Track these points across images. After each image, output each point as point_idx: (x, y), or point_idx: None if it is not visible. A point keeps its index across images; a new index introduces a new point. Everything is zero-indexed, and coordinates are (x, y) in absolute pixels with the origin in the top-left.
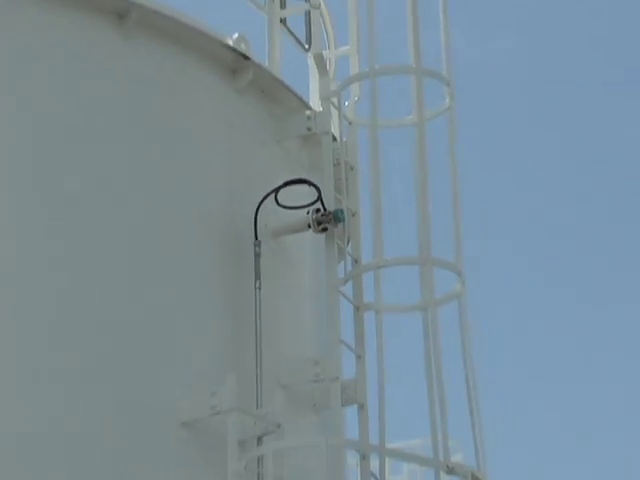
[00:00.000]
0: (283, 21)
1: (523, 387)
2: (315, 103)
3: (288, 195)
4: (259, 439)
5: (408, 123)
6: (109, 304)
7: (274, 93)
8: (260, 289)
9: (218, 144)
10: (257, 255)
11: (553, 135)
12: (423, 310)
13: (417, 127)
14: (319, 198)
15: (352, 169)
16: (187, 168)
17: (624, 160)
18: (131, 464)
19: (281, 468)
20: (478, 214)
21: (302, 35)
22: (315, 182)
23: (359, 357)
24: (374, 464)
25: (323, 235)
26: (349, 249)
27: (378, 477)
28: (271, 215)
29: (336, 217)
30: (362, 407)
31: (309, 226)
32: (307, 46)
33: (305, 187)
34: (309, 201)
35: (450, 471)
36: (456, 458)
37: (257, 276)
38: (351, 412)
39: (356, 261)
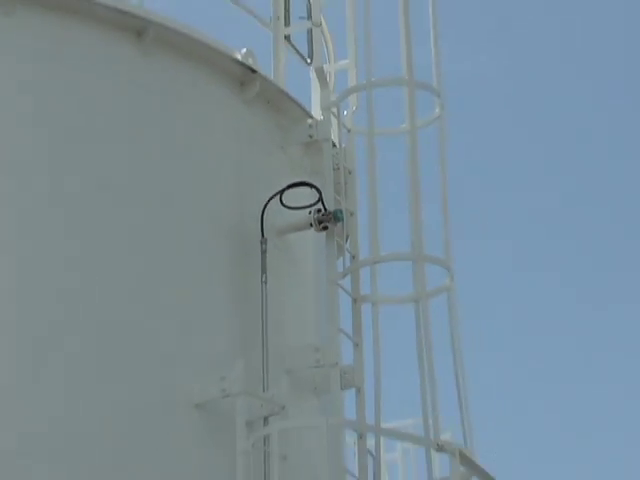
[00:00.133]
0: (287, 38)
1: (513, 373)
2: (316, 113)
3: (292, 197)
4: (265, 420)
5: (401, 131)
6: (129, 296)
7: (279, 104)
8: (266, 283)
9: (228, 150)
10: (263, 252)
11: (539, 139)
12: (415, 302)
13: (410, 134)
14: (320, 199)
15: (350, 173)
16: (200, 172)
17: (616, 162)
18: (147, 442)
19: (286, 446)
20: (477, 215)
21: (305, 50)
22: (316, 185)
23: (357, 345)
24: (370, 442)
25: (324, 233)
26: (347, 246)
27: (374, 454)
28: (276, 215)
29: (336, 217)
30: (359, 391)
31: (311, 225)
32: (309, 60)
33: (307, 189)
34: (311, 202)
35: (440, 449)
36: (445, 437)
37: (263, 271)
38: (349, 395)
39: (354, 257)
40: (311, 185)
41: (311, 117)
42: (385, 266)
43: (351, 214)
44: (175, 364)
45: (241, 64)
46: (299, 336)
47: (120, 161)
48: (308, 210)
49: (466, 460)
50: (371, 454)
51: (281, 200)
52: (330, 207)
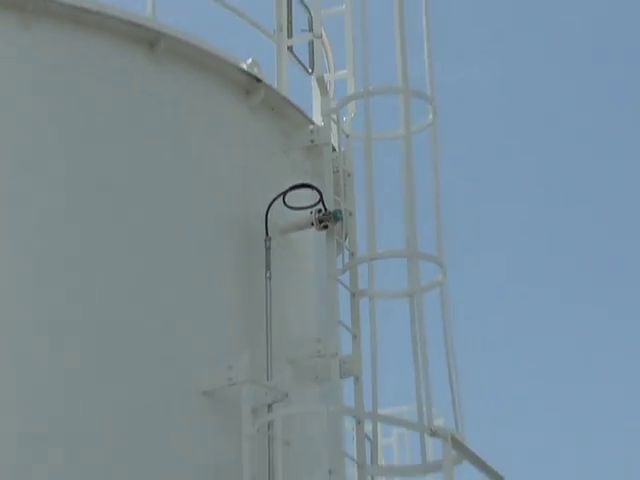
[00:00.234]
0: (290, 48)
1: (504, 367)
2: (317, 119)
3: (294, 198)
4: (269, 407)
5: (397, 136)
6: (145, 290)
7: (282, 110)
8: (270, 278)
9: (234, 154)
10: (268, 249)
11: (531, 149)
12: (410, 296)
13: (405, 139)
14: (320, 200)
15: (349, 175)
16: (208, 175)
17: (610, 171)
18: (158, 427)
19: (288, 432)
20: (470, 224)
21: (306, 60)
22: (317, 186)
23: (355, 336)
24: (368, 428)
25: (324, 232)
26: (346, 244)
27: (371, 439)
28: (280, 215)
29: (335, 216)
30: (357, 379)
31: (312, 224)
32: (310, 70)
33: (309, 191)
34: (312, 203)
35: (433, 434)
36: (438, 422)
37: (268, 267)
38: (348, 383)
39: (352, 254)
40: (312, 187)
41: (312, 123)
42: (382, 263)
43: (350, 214)
44: (185, 354)
45: (247, 73)
46: (301, 328)
47: (135, 165)
48: (309, 210)
49: (457, 444)
50: (369, 439)
51: (284, 201)
52: (330, 207)
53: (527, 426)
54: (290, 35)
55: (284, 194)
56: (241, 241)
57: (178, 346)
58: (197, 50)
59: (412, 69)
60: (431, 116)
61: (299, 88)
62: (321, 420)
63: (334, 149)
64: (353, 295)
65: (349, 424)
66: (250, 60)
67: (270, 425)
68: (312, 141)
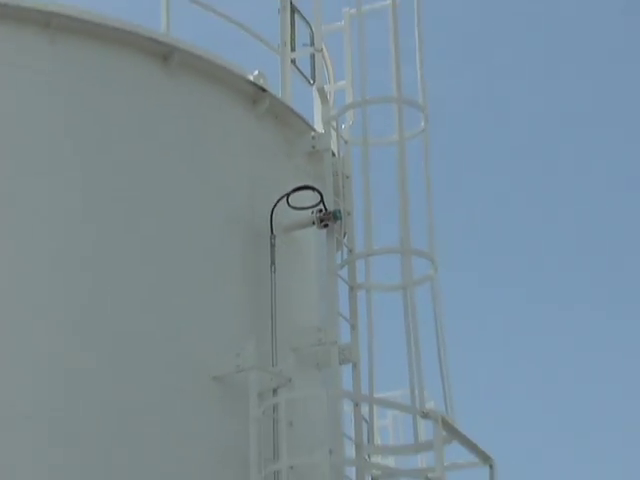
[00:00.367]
0: (293, 61)
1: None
2: (318, 126)
3: (297, 199)
4: (274, 391)
5: (392, 142)
6: (160, 284)
7: (286, 118)
8: (275, 272)
9: (242, 159)
10: (273, 246)
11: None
12: (404, 289)
13: (399, 145)
14: (321, 201)
15: (347, 178)
16: (218, 178)
17: (590, 178)
18: (172, 410)
19: (292, 414)
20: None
21: (308, 72)
22: (318, 188)
23: (353, 326)
24: (365, 410)
25: (324, 230)
26: (345, 241)
27: (368, 420)
28: (284, 214)
29: (335, 216)
30: (355, 365)
31: (313, 223)
32: (312, 81)
33: (310, 192)
34: (313, 203)
35: (425, 416)
36: (429, 405)
37: (272, 262)
38: (347, 370)
39: (350, 250)
40: (313, 189)
41: (314, 130)
42: (377, 258)
43: (348, 214)
44: (197, 343)
45: (253, 84)
46: (303, 318)
47: (149, 170)
48: (311, 210)
49: (447, 426)
50: (365, 420)
51: (288, 202)
52: (330, 208)
53: (514, 409)
54: (293, 49)
55: (288, 195)
56: (248, 239)
57: (190, 336)
58: (208, 63)
59: (406, 79)
60: (423, 123)
61: (301, 98)
62: (322, 403)
63: (334, 154)
64: (351, 288)
65: (347, 407)
66: (256, 72)
67: (275, 408)
68: (313, 147)
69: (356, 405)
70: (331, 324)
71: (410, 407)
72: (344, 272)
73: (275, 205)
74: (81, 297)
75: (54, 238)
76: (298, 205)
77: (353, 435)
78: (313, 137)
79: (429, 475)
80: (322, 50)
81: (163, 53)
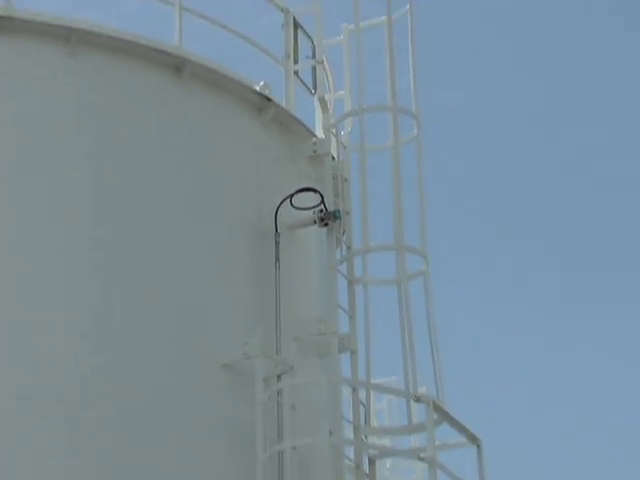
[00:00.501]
0: (296, 73)
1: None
2: (319, 132)
3: (299, 200)
4: (278, 377)
5: (387, 147)
6: (174, 278)
7: (289, 125)
8: (279, 268)
9: (248, 163)
10: (277, 243)
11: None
12: (398, 283)
13: (393, 150)
14: (322, 202)
15: (346, 181)
16: (227, 181)
17: (584, 173)
18: (185, 394)
19: (294, 398)
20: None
21: (310, 83)
22: (319, 190)
23: (351, 317)
24: (362, 395)
25: (325, 229)
26: (344, 239)
27: (365, 404)
28: (287, 214)
29: (334, 216)
30: (353, 353)
31: (315, 222)
32: (313, 91)
33: (312, 194)
34: (315, 204)
35: (417, 400)
36: (422, 390)
37: (277, 258)
38: (345, 357)
39: (349, 247)
40: (315, 190)
41: (315, 136)
42: (374, 255)
43: (347, 213)
44: (207, 333)
45: (259, 94)
46: (305, 310)
47: (164, 173)
48: (312, 210)
49: (438, 409)
50: (362, 404)
51: (291, 202)
52: (330, 208)
53: (501, 393)
54: (296, 61)
55: (291, 196)
56: (254, 237)
57: (202, 327)
58: (217, 74)
59: (400, 88)
60: (416, 130)
61: (304, 106)
62: (322, 388)
63: (334, 158)
64: (350, 282)
65: (346, 392)
66: (262, 83)
67: (279, 393)
68: (315, 151)
69: (354, 390)
70: (331, 315)
71: (404, 392)
72: (343, 267)
73: (279, 206)
74: (101, 293)
75: (69, 234)
76: (301, 206)
77: (351, 417)
78: (314, 143)
79: (421, 454)
80: (323, 62)
81: (175, 65)
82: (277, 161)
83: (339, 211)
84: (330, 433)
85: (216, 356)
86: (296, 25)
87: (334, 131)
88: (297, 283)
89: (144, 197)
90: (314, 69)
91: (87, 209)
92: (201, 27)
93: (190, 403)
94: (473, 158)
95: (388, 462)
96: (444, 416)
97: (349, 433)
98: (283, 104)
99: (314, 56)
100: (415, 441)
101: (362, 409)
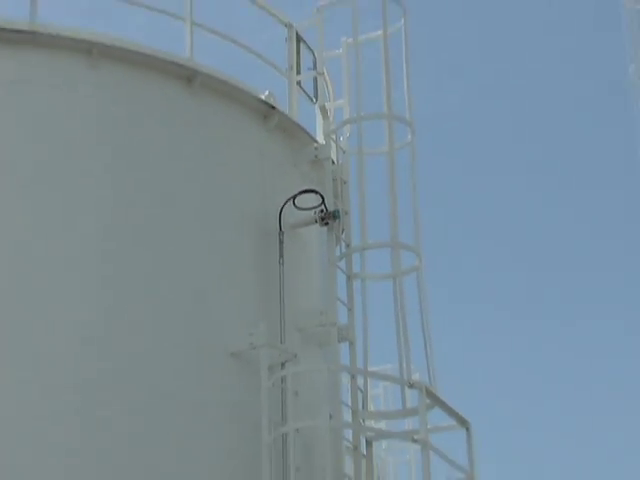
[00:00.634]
0: (298, 83)
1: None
2: (320, 138)
3: (302, 200)
4: (282, 365)
5: (383, 152)
6: (185, 276)
7: (292, 132)
8: (283, 264)
9: (254, 167)
10: (281, 241)
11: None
12: (393, 278)
13: (389, 155)
14: (323, 202)
15: (345, 183)
16: (234, 183)
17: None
18: (196, 381)
19: (297, 385)
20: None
21: (311, 92)
22: (320, 192)
23: (350, 310)
24: (360, 382)
25: (325, 227)
26: (343, 237)
27: (363, 390)
28: (290, 214)
29: (334, 215)
30: (352, 343)
31: (316, 221)
32: (315, 100)
33: (313, 195)
34: (316, 204)
35: (411, 386)
36: (415, 377)
37: (281, 255)
38: (344, 347)
39: (348, 245)
40: (316, 192)
41: (316, 142)
42: (371, 252)
43: (346, 213)
44: (217, 324)
45: (264, 102)
46: (307, 303)
47: (177, 177)
48: (314, 210)
49: (430, 394)
50: (360, 390)
51: (294, 203)
52: (330, 208)
53: (489, 379)
54: (298, 72)
55: (294, 198)
56: (260, 235)
57: (212, 319)
58: (226, 84)
59: (395, 97)
60: (409, 136)
61: (306, 114)
62: (323, 375)
63: (333, 162)
64: (348, 277)
65: (345, 379)
66: (267, 92)
67: (283, 379)
68: (316, 156)
69: (352, 377)
70: (331, 308)
71: (399, 378)
72: (342, 264)
73: (283, 206)
74: (115, 290)
75: (84, 235)
76: (303, 206)
77: (350, 402)
78: (315, 148)
79: (415, 436)
80: (323, 73)
81: (187, 76)
82: (281, 165)
83: (338, 211)
84: (330, 417)
85: (225, 346)
86: (299, 39)
87: (334, 137)
88: (299, 278)
89: (158, 198)
90: (315, 80)
91: (103, 213)
92: (211, 41)
93: (201, 389)
94: (465, 161)
95: (384, 444)
96: (436, 401)
97: (348, 417)
98: (287, 112)
99: (315, 68)
100: (409, 424)
101: (360, 395)
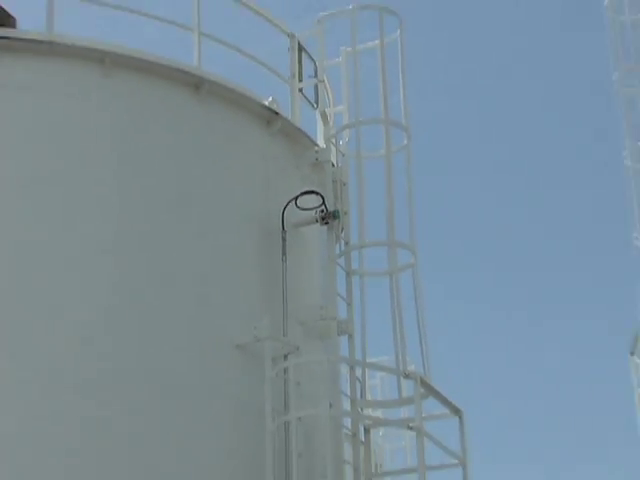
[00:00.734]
0: (300, 90)
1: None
2: (321, 142)
3: (303, 201)
4: (285, 357)
5: (380, 155)
6: (194, 272)
7: (294, 136)
8: (286, 261)
9: (259, 169)
10: (284, 239)
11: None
12: (390, 274)
13: (386, 158)
14: (323, 203)
15: (344, 184)
16: (239, 185)
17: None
18: (203, 372)
19: (299, 375)
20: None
21: (312, 98)
22: (321, 193)
23: (349, 304)
24: (358, 373)
25: (326, 227)
26: (342, 235)
27: (361, 381)
28: (293, 214)
29: (334, 215)
30: (351, 336)
31: (317, 221)
32: (316, 106)
33: (314, 196)
34: (317, 205)
35: (406, 376)
36: (410, 368)
37: (283, 253)
38: (344, 340)
39: (347, 243)
40: (317, 193)
41: (317, 145)
42: (369, 250)
43: (345, 213)
44: (223, 318)
45: (268, 108)
46: (309, 298)
47: (185, 179)
48: (315, 210)
49: (425, 384)
50: (359, 380)
51: (296, 203)
52: (330, 208)
53: (481, 369)
54: (300, 80)
55: (296, 198)
56: (264, 234)
57: (218, 313)
58: (231, 91)
59: (391, 103)
60: (405, 140)
61: (307, 119)
62: (323, 366)
63: (333, 165)
64: (347, 274)
65: (344, 370)
66: (270, 98)
67: (285, 370)
68: (317, 159)
69: (351, 368)
70: (331, 303)
71: (395, 369)
72: (342, 261)
73: (286, 206)
74: (130, 282)
75: (91, 234)
76: (304, 206)
77: (349, 392)
78: (316, 151)
79: (410, 424)
80: (324, 81)
81: (195, 83)
82: (284, 167)
83: (338, 211)
84: (330, 406)
85: (230, 339)
86: (300, 48)
87: (334, 141)
88: (301, 275)
89: (168, 199)
90: (316, 87)
91: (110, 214)
92: (217, 50)
93: (208, 379)
94: (457, 163)
95: (381, 431)
96: (430, 391)
97: (347, 406)
98: (289, 117)
99: (316, 75)
100: (404, 412)
101: (358, 385)
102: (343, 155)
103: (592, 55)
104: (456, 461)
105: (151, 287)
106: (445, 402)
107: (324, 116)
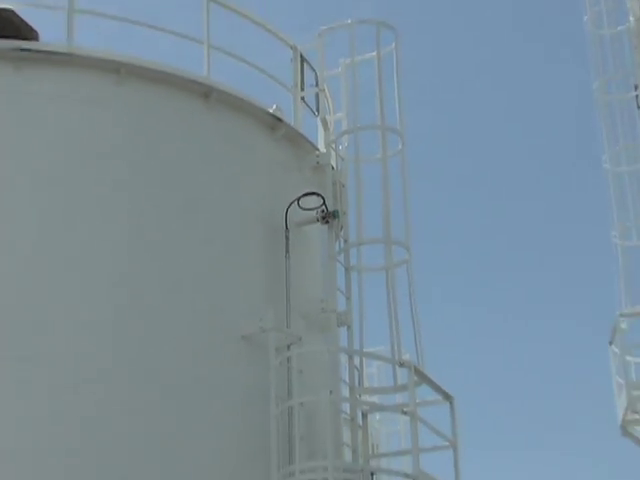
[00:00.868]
0: (302, 98)
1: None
2: (321, 147)
3: (305, 202)
4: (288, 347)
5: (377, 159)
6: (203, 267)
7: (297, 141)
8: (289, 258)
9: (263, 172)
10: (287, 238)
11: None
12: (386, 270)
13: (382, 161)
14: (324, 203)
15: (344, 186)
16: (245, 187)
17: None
18: (212, 361)
19: (301, 364)
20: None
21: (314, 106)
22: (321, 194)
23: (348, 298)
24: (356, 361)
25: (326, 225)
26: (342, 234)
27: (359, 369)
28: (295, 214)
29: (334, 215)
30: (349, 328)
31: (318, 220)
32: (317, 113)
33: (315, 197)
34: (318, 205)
35: (401, 365)
36: (405, 357)
37: (287, 250)
38: (343, 331)
39: (346, 241)
40: (318, 194)
41: (318, 150)
42: (366, 247)
43: (344, 213)
44: (230, 310)
45: (272, 115)
46: (310, 292)
47: (194, 181)
48: (316, 210)
49: (419, 372)
50: (357, 369)
51: (298, 204)
52: (330, 208)
53: (473, 359)
54: (302, 89)
55: (298, 199)
56: (268, 232)
57: (226, 305)
58: (238, 99)
59: (387, 111)
60: (400, 145)
61: (309, 125)
62: (324, 356)
63: (333, 168)
64: (346, 269)
65: (343, 359)
66: (275, 106)
67: (289, 359)
68: (318, 163)
69: (350, 357)
70: (331, 296)
71: (390, 358)
72: (341, 257)
73: (289, 207)
74: (131, 286)
75: (95, 233)
76: (306, 207)
77: (347, 380)
78: (317, 155)
79: (404, 409)
80: (324, 90)
81: (204, 92)
82: (287, 170)
83: (338, 211)
84: (330, 392)
85: (237, 330)
86: (302, 59)
87: (334, 146)
88: (303, 270)
89: (180, 199)
90: (317, 95)
91: (124, 213)
92: (225, 61)
93: (215, 368)
94: (451, 167)
95: (377, 416)
96: (423, 378)
97: (346, 392)
98: (292, 124)
99: (317, 85)
100: (399, 399)
101: (356, 373)
102: (342, 159)
103: (575, 70)
104: (447, 444)
105: (161, 286)
106: (437, 389)
107: (324, 123)
